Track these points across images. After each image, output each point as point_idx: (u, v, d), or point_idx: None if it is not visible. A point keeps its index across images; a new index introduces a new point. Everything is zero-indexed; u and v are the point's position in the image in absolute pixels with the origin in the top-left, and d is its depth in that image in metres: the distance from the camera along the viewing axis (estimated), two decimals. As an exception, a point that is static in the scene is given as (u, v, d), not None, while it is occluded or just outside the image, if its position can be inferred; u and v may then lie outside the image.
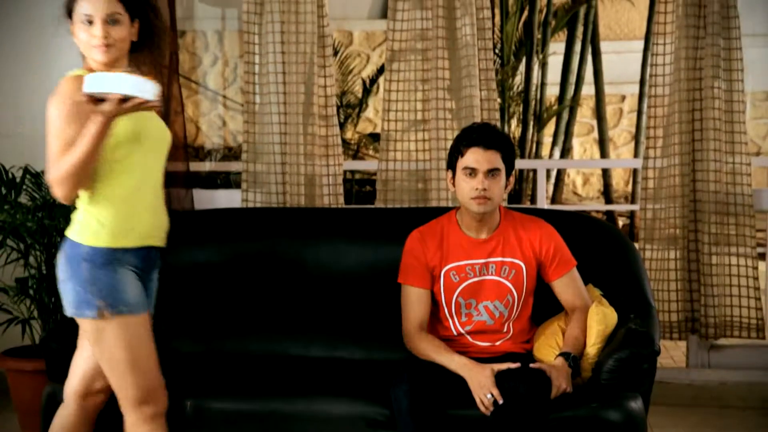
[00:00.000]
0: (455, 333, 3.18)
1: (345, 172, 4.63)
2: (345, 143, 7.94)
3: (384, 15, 7.60)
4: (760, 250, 4.43)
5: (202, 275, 3.70)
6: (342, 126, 8.21)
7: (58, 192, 2.63)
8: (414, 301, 3.16)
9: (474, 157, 3.08)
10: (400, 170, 4.41)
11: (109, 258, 2.69)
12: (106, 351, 2.70)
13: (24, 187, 4.17)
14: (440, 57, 4.32)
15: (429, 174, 4.37)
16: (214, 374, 3.32)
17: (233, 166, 6.02)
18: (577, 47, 9.17)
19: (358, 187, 8.40)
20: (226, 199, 4.58)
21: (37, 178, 4.20)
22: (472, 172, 3.09)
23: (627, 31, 10.66)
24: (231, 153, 9.22)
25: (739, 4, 4.30)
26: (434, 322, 3.22)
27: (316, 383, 3.22)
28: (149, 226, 2.82)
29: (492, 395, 2.86)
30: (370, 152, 8.81)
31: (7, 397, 4.16)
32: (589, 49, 9.24)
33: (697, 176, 4.34)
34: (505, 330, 3.17)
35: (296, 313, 3.62)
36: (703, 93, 4.30)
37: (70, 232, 2.73)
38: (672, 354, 5.39)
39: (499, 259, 3.16)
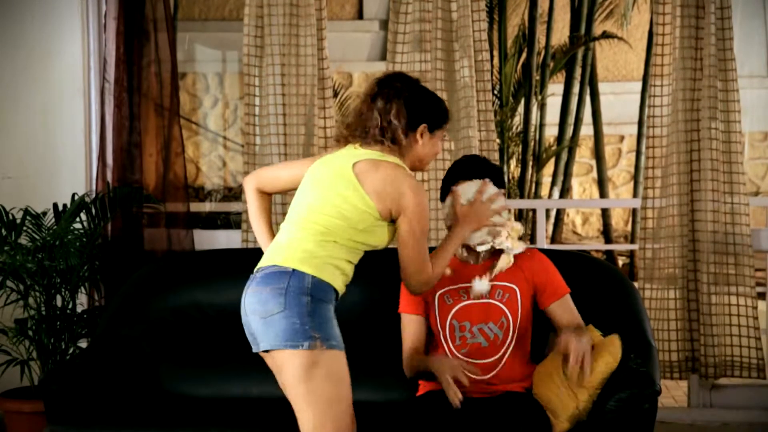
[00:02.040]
0: (446, 348, 3.18)
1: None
2: (345, 184, 7.94)
3: (383, 57, 7.67)
4: (759, 289, 4.44)
5: (202, 317, 3.70)
6: (342, 167, 8.23)
7: (418, 288, 2.91)
8: (407, 327, 3.27)
9: (468, 198, 3.16)
10: (399, 210, 4.41)
11: (329, 295, 2.78)
12: (314, 384, 2.71)
13: (24, 228, 4.18)
14: (439, 98, 4.34)
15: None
16: (212, 416, 3.30)
17: (233, 207, 6.03)
18: (576, 88, 9.23)
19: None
20: (226, 239, 4.59)
21: (37, 219, 4.21)
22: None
23: (625, 73, 10.73)
24: (231, 193, 9.25)
25: (736, 47, 4.34)
26: (432, 351, 3.23)
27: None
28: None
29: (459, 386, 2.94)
30: (370, 193, 8.82)
31: (6, 439, 4.14)
32: (588, 90, 9.30)
33: (695, 216, 4.35)
34: (501, 355, 3.16)
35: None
36: (700, 134, 4.32)
37: (299, 264, 2.76)
38: (673, 394, 5.37)
39: (493, 283, 3.18)
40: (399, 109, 2.86)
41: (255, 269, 2.87)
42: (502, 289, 3.18)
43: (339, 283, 2.82)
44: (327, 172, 2.90)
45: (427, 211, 2.87)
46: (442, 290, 3.20)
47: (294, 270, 2.75)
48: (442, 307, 3.20)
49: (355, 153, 2.88)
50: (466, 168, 3.22)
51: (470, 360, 3.13)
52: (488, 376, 3.13)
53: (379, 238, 2.88)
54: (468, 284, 3.18)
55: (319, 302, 2.73)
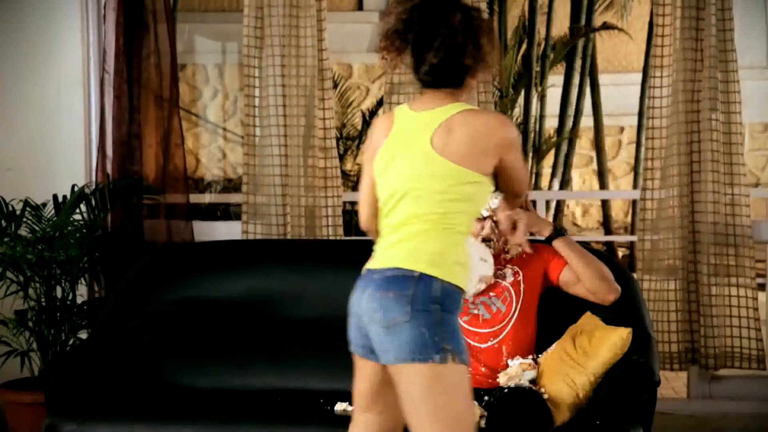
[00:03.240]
0: None
1: (344, 203, 4.64)
2: (345, 175, 7.96)
3: (383, 48, 7.65)
4: (759, 280, 4.44)
5: (202, 308, 3.70)
6: (342, 158, 8.25)
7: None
8: None
9: None
10: (399, 202, 4.41)
11: (459, 301, 2.49)
12: (443, 400, 2.41)
13: (24, 219, 4.18)
14: (439, 89, 4.34)
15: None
16: (212, 407, 3.31)
17: (233, 198, 6.03)
18: (576, 80, 9.22)
19: (358, 218, 8.42)
20: (226, 230, 4.59)
21: (36, 210, 4.21)
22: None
23: (625, 64, 10.71)
24: (231, 185, 9.25)
25: (736, 37, 4.33)
26: None
27: (318, 414, 3.21)
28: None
29: None
30: (370, 184, 8.82)
31: (5, 429, 4.14)
32: (588, 82, 9.29)
33: (695, 207, 4.35)
34: (501, 326, 3.19)
35: (297, 345, 3.61)
36: (701, 125, 4.32)
37: (427, 267, 2.45)
38: (673, 385, 5.37)
39: (497, 266, 3.29)
40: None
41: (367, 268, 2.54)
42: (507, 270, 3.29)
43: (465, 281, 2.53)
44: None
45: None
46: None
47: (422, 274, 2.43)
48: None
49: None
50: None
51: (470, 329, 3.19)
52: (486, 344, 3.15)
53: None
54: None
55: (448, 310, 2.44)
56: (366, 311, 2.47)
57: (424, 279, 2.42)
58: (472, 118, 2.49)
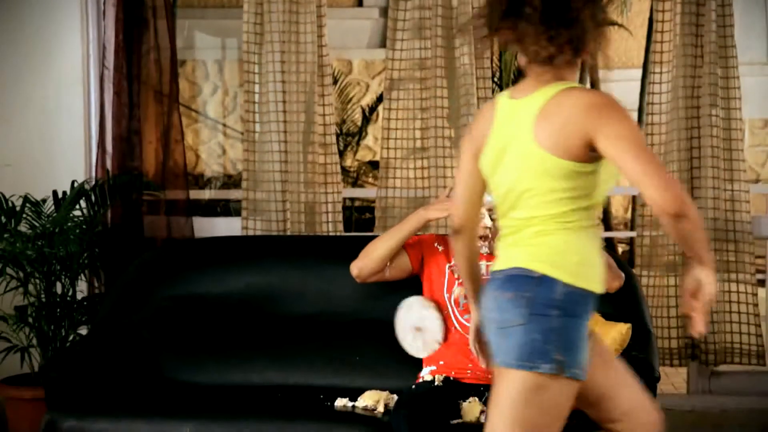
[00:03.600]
0: (457, 326, 3.26)
1: (344, 199, 4.64)
2: (345, 171, 7.96)
3: (383, 44, 7.65)
4: (759, 276, 4.44)
5: (202, 304, 3.70)
6: (342, 154, 8.25)
7: (679, 208, 2.14)
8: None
9: None
10: (399, 197, 4.42)
11: (586, 306, 2.28)
12: (530, 413, 2.24)
13: (24, 215, 4.18)
14: (439, 86, 4.34)
15: (428, 201, 4.38)
16: (212, 403, 3.31)
17: (233, 194, 6.03)
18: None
19: (358, 214, 8.42)
20: (226, 226, 4.59)
21: (36, 206, 4.21)
22: None
23: (625, 60, 10.71)
24: (230, 181, 9.25)
25: (736, 33, 4.33)
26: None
27: (318, 409, 3.22)
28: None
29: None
30: (370, 180, 8.84)
31: (5, 425, 4.15)
32: (587, 78, 9.29)
33: (696, 203, 4.35)
34: None
35: (297, 341, 3.61)
36: (701, 121, 4.32)
37: (549, 268, 2.27)
38: (673, 380, 5.38)
39: None
40: None
41: (491, 270, 2.42)
42: None
43: (598, 283, 2.32)
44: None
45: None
46: (452, 264, 3.33)
47: (543, 276, 2.26)
48: (450, 278, 3.32)
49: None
50: None
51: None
52: None
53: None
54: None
55: (571, 317, 2.24)
56: (485, 312, 2.37)
57: (545, 281, 2.24)
58: (565, 99, 2.27)
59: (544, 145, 2.27)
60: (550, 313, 2.22)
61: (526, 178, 2.31)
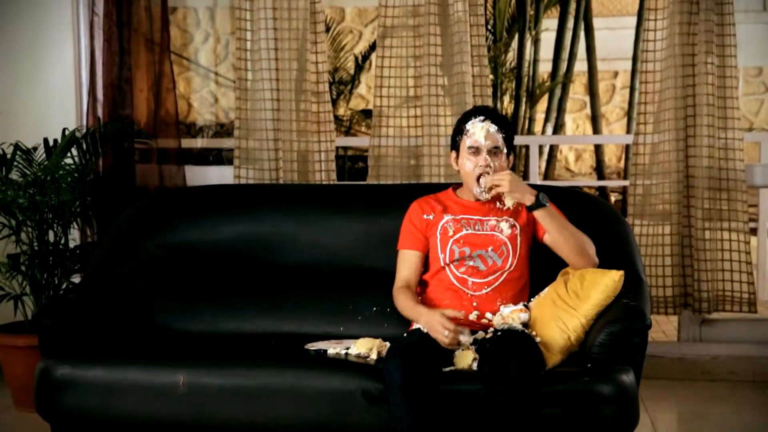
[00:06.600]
0: (452, 278, 3.27)
1: (337, 148, 4.63)
2: (337, 120, 7.92)
3: (376, -9, 7.58)
4: (752, 225, 4.45)
5: (195, 253, 3.70)
6: (334, 102, 8.20)
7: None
8: (404, 262, 3.37)
9: (476, 137, 3.27)
10: (392, 146, 4.41)
11: None
12: None
13: (15, 163, 4.16)
14: (432, 33, 4.31)
15: (421, 150, 4.37)
16: (205, 350, 3.32)
17: (225, 143, 6.01)
18: (570, 23, 9.14)
19: (351, 163, 8.40)
20: (218, 175, 4.58)
21: (27, 154, 4.19)
22: (475, 150, 3.27)
23: (620, 8, 10.63)
24: (223, 129, 9.21)
25: (732, -20, 4.29)
26: (431, 274, 3.33)
27: (311, 358, 3.23)
28: None
29: (449, 332, 3.01)
30: (363, 129, 8.80)
31: (0, 372, 4.16)
32: (582, 26, 9.22)
33: (689, 152, 4.34)
34: (495, 277, 3.26)
35: (290, 290, 3.62)
36: (696, 69, 4.29)
37: None
38: (664, 328, 5.41)
39: (494, 218, 3.30)
40: None
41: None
42: (504, 223, 3.29)
43: None
44: None
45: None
46: (445, 219, 3.32)
47: None
48: (443, 233, 3.32)
49: None
50: (479, 118, 3.31)
51: (466, 277, 3.26)
52: (480, 293, 3.23)
53: None
54: (470, 216, 3.31)
55: None
56: None
57: None
58: None
59: None
60: None
61: None
